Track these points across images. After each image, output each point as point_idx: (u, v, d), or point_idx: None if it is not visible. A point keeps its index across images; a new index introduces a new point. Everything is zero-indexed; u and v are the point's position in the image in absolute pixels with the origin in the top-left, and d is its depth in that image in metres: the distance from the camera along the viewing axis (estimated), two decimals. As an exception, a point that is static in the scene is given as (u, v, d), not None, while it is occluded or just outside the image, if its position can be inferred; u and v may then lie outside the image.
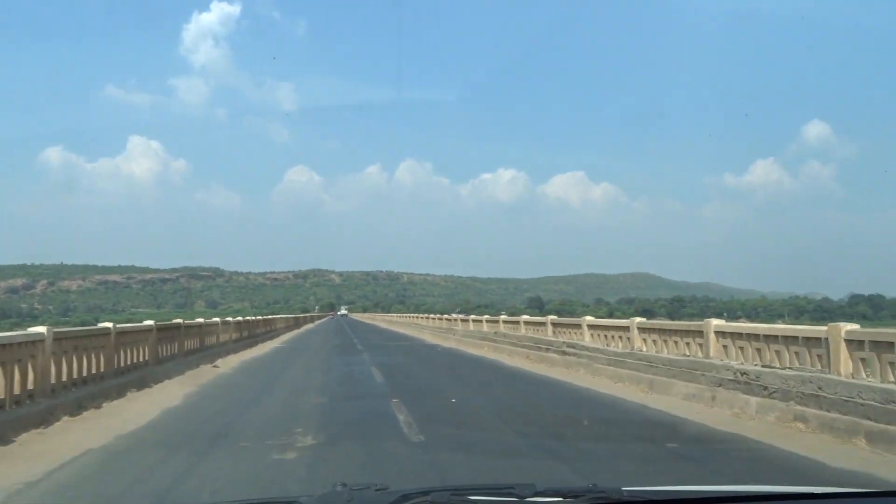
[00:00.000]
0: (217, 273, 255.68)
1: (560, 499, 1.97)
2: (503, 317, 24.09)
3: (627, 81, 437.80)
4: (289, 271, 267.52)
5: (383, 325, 64.77)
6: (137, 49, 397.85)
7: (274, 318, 40.50)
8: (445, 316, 39.57)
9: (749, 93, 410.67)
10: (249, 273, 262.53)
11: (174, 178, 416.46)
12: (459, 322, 30.52)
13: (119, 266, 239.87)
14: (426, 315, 48.33)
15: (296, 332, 48.30)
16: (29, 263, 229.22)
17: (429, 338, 34.42)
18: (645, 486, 2.19)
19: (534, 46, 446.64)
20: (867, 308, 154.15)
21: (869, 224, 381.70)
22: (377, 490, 2.06)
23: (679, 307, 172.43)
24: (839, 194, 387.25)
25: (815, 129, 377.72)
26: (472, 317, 29.64)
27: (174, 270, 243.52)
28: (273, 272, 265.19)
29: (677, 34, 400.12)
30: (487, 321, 25.94)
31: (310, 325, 67.88)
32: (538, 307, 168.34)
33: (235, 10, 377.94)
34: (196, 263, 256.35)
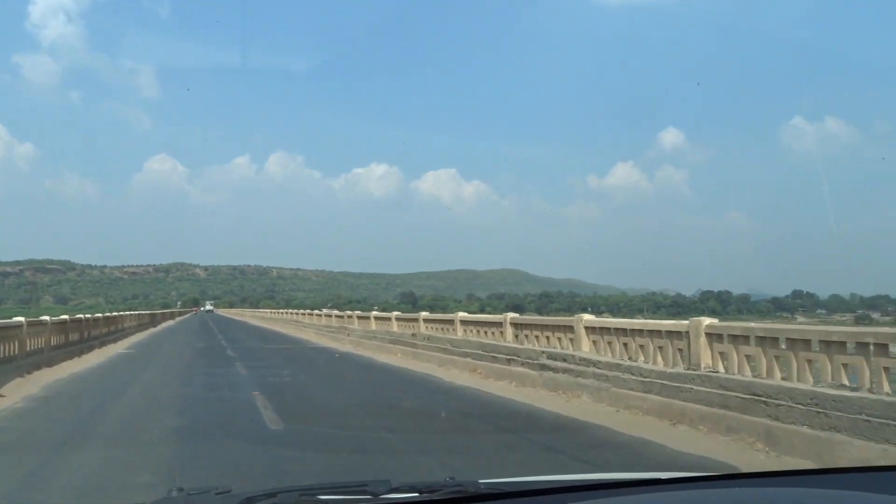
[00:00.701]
0: (67, 266, 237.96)
1: (416, 494, 1.91)
2: (424, 314, 18.87)
3: (499, 84, 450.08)
4: (149, 265, 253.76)
5: (256, 323, 58.58)
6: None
7: (120, 316, 33.32)
8: (336, 313, 32.47)
9: (613, 99, 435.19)
10: (105, 266, 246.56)
11: (19, 164, 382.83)
12: (356, 320, 25.38)
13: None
14: (308, 311, 42.63)
15: (151, 331, 41.79)
16: None
17: (315, 338, 29.30)
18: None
19: (404, 49, 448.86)
20: (716, 304, 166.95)
21: (715, 225, 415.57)
22: (218, 493, 1.91)
23: (547, 302, 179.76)
24: (690, 197, 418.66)
25: (671, 136, 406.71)
26: (375, 313, 24.61)
27: (17, 263, 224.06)
28: (131, 266, 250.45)
29: (547, 40, 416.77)
30: (399, 319, 20.81)
31: (170, 323, 60.63)
32: (411, 302, 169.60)
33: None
34: (44, 255, 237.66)
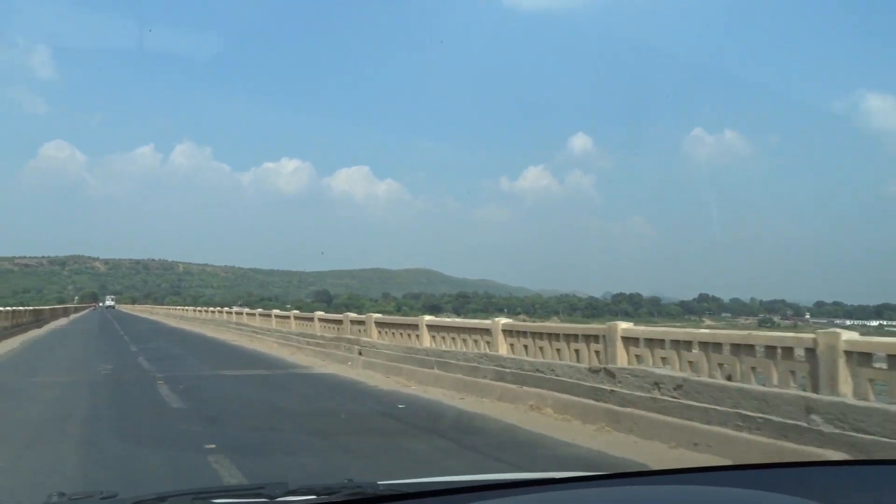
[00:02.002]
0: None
1: (314, 497, 1.87)
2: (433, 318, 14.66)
3: (413, 83, 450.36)
4: (43, 256, 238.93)
5: (173, 324, 46.67)
6: None
7: None
8: (296, 312, 24.61)
9: (525, 103, 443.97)
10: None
11: None
12: (317, 323, 20.19)
13: None
14: (248, 311, 33.26)
15: (29, 335, 30.53)
16: None
17: (304, 358, 18.40)
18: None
19: (325, 38, 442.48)
20: (628, 306, 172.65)
21: (621, 229, 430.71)
22: (104, 498, 1.82)
23: (464, 303, 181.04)
24: (597, 201, 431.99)
25: (580, 141, 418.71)
26: (353, 316, 18.13)
27: None
28: (24, 257, 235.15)
29: (463, 41, 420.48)
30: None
31: (61, 322, 49.02)
32: (326, 301, 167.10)
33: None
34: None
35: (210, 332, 34.03)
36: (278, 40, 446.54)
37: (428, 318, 13.74)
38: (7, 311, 30.34)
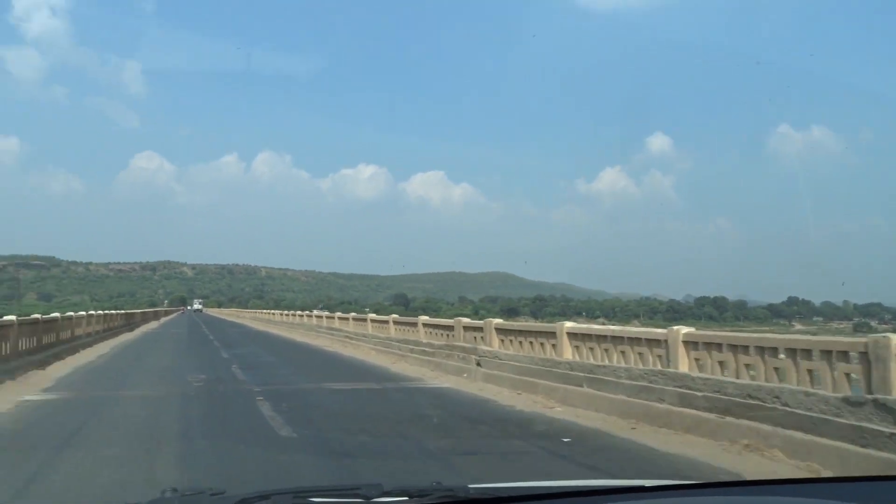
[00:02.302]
0: (52, 262, 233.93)
1: (406, 498, 1.92)
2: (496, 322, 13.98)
3: (488, 88, 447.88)
4: (136, 262, 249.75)
5: (260, 327, 45.28)
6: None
7: (57, 321, 19.85)
8: (395, 317, 21.44)
9: (601, 104, 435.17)
10: (90, 263, 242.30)
11: (4, 158, 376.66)
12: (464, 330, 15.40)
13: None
14: (341, 315, 29.49)
15: (119, 340, 29.39)
16: None
17: (418, 370, 16.10)
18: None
19: (398, 44, 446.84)
20: (713, 310, 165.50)
21: (703, 231, 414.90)
22: (213, 495, 1.95)
23: (541, 306, 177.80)
24: (677, 202, 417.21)
25: (658, 141, 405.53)
26: (466, 321, 15.85)
27: (0, 258, 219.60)
28: (118, 263, 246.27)
29: (539, 46, 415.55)
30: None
31: (152, 326, 48.84)
32: (403, 304, 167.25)
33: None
34: (27, 251, 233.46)
35: (299, 336, 32.75)
36: (355, 55, 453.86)
37: (570, 324, 11.46)
38: (100, 315, 29.46)
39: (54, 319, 19.74)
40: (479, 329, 14.64)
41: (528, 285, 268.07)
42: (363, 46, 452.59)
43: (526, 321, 15.71)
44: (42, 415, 9.77)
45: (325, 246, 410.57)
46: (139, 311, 57.27)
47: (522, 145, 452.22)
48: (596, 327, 11.08)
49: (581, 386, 10.35)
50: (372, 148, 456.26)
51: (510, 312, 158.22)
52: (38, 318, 17.54)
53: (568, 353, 11.25)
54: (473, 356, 14.27)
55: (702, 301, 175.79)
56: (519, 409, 10.20)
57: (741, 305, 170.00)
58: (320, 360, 20.30)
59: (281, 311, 49.63)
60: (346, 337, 25.30)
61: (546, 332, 12.03)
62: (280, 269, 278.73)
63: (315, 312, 42.59)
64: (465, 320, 15.80)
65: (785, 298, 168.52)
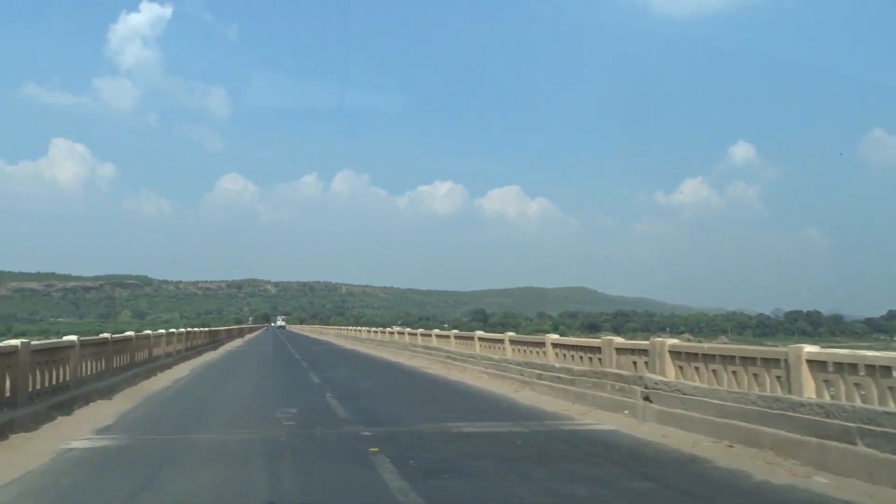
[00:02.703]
0: (144, 281, 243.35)
1: None
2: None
3: (562, 102, 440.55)
4: (222, 280, 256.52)
5: (346, 345, 43.00)
6: (60, 47, 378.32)
7: (136, 340, 18.27)
8: (512, 335, 18.22)
9: (679, 113, 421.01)
10: (180, 282, 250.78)
11: (101, 183, 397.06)
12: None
13: (38, 273, 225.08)
14: (439, 332, 27.04)
15: (201, 360, 27.13)
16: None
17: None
18: None
19: (475, 63, 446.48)
20: (805, 324, 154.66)
21: (790, 242, 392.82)
22: None
23: (623, 321, 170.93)
24: (763, 213, 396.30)
25: (741, 150, 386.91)
26: (620, 342, 12.50)
27: (98, 278, 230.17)
28: (205, 281, 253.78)
29: (613, 56, 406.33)
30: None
31: (236, 343, 46.74)
32: (482, 320, 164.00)
33: (166, 12, 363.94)
34: (122, 271, 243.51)
35: (391, 355, 30.00)
36: (435, 81, 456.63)
37: (810, 348, 7.95)
38: (181, 333, 27.02)
39: (127, 339, 17.49)
40: (643, 352, 11.26)
41: (606, 300, 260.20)
42: (443, 76, 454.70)
43: (608, 335, 12.28)
44: (77, 479, 6.97)
45: (402, 262, 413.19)
46: (224, 328, 56.09)
47: (599, 158, 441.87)
48: (865, 354, 7.45)
49: (854, 444, 6.83)
50: (448, 165, 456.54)
51: (591, 328, 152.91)
52: (106, 338, 15.19)
53: (810, 389, 7.75)
54: (638, 388, 10.91)
55: (793, 315, 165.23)
56: (775, 485, 6.63)
57: (837, 320, 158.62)
58: (427, 386, 17.23)
59: (368, 328, 46.86)
60: (448, 357, 22.25)
61: (766, 359, 8.53)
62: (359, 285, 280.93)
63: (397, 329, 40.36)
64: (619, 340, 12.42)
65: (884, 312, 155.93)
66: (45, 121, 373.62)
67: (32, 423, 9.55)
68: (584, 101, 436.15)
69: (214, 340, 40.01)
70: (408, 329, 33.02)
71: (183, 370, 21.55)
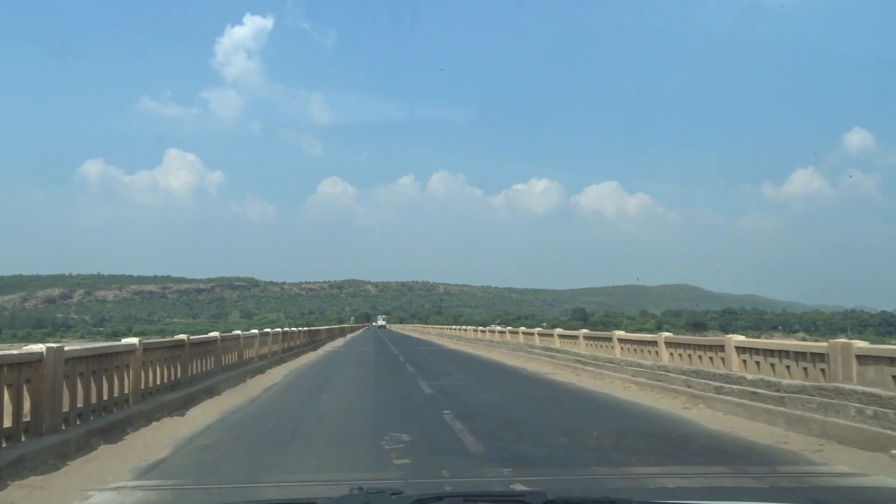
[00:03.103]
0: (252, 283, 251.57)
1: None
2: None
3: (661, 93, 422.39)
4: (324, 281, 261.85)
5: (450, 345, 40.57)
6: (171, 62, 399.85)
7: (221, 341, 16.29)
8: (668, 336, 15.08)
9: (787, 102, 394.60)
10: (284, 283, 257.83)
11: (210, 190, 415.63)
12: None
13: (155, 276, 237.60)
14: (563, 332, 24.37)
15: (300, 361, 25.71)
16: (66, 273, 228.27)
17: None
18: None
19: (561, 59, 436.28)
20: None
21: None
22: (392, 494, 2.20)
23: (731, 320, 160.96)
24: (883, 205, 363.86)
25: (857, 137, 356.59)
26: (862, 346, 8.93)
27: (209, 280, 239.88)
28: (308, 282, 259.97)
29: (712, 43, 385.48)
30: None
31: (337, 344, 45.11)
32: (582, 319, 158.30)
33: (268, 23, 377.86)
34: (231, 274, 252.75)
35: (503, 357, 27.29)
36: (527, 76, 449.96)
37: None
38: (276, 334, 24.88)
39: (211, 341, 15.08)
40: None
41: (712, 297, 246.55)
42: (531, 62, 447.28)
43: (841, 339, 9.03)
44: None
45: (500, 261, 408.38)
46: (325, 327, 55.01)
47: (700, 150, 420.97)
48: None
49: None
50: (543, 162, 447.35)
51: (697, 327, 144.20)
52: (183, 340, 12.78)
53: None
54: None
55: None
56: None
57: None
58: (566, 399, 14.12)
59: (474, 328, 43.87)
60: (577, 361, 19.00)
61: None
62: (457, 284, 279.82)
63: (497, 328, 38.18)
64: (863, 345, 8.64)
65: None
66: (159, 132, 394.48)
67: (56, 459, 7.03)
68: (681, 91, 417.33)
69: (314, 340, 38.38)
70: (522, 329, 29.92)
71: (276, 375, 19.45)
